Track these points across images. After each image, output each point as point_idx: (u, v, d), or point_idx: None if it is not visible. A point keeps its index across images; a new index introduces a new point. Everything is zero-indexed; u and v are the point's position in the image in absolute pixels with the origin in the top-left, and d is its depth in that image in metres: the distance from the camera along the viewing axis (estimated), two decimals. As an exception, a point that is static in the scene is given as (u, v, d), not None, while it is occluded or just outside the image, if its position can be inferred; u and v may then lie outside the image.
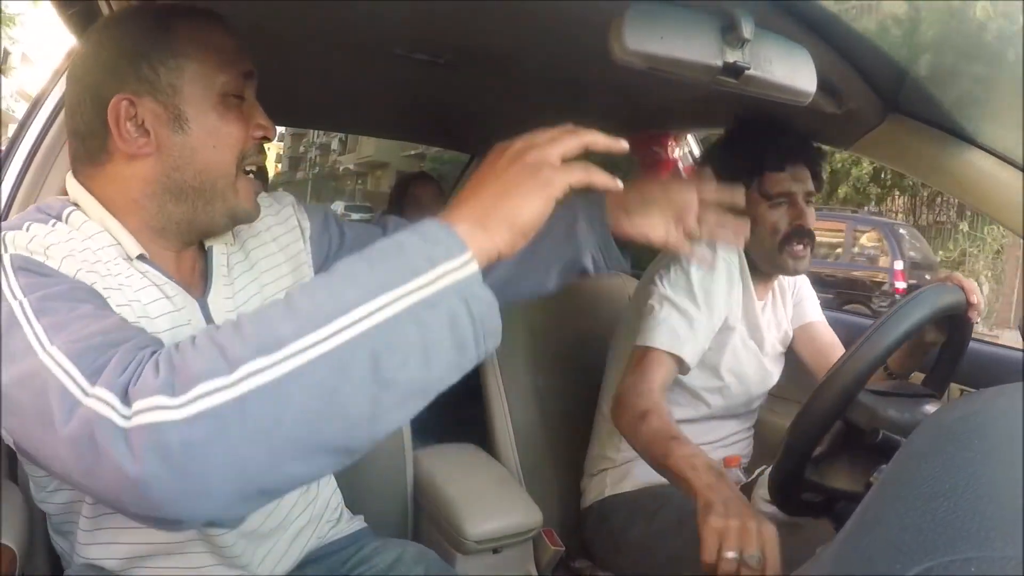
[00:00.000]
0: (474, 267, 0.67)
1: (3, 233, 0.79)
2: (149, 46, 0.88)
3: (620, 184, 0.82)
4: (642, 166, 2.18)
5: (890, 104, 1.34)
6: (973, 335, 1.36)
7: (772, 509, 1.45)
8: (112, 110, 0.86)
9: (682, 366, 1.47)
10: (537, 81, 1.70)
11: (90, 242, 0.86)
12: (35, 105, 1.26)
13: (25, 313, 0.70)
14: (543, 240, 0.73)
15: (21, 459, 0.91)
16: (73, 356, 0.66)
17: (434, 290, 0.65)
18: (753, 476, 1.61)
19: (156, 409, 0.59)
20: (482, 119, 2.51)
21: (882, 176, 13.35)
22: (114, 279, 0.85)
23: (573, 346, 1.75)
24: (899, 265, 9.27)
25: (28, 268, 0.76)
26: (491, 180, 0.73)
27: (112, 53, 0.89)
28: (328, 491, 1.22)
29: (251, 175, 0.96)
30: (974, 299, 1.26)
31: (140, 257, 0.90)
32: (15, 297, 0.72)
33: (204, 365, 0.61)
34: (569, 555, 1.68)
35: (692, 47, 0.95)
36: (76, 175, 0.92)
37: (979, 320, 1.30)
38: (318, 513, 1.17)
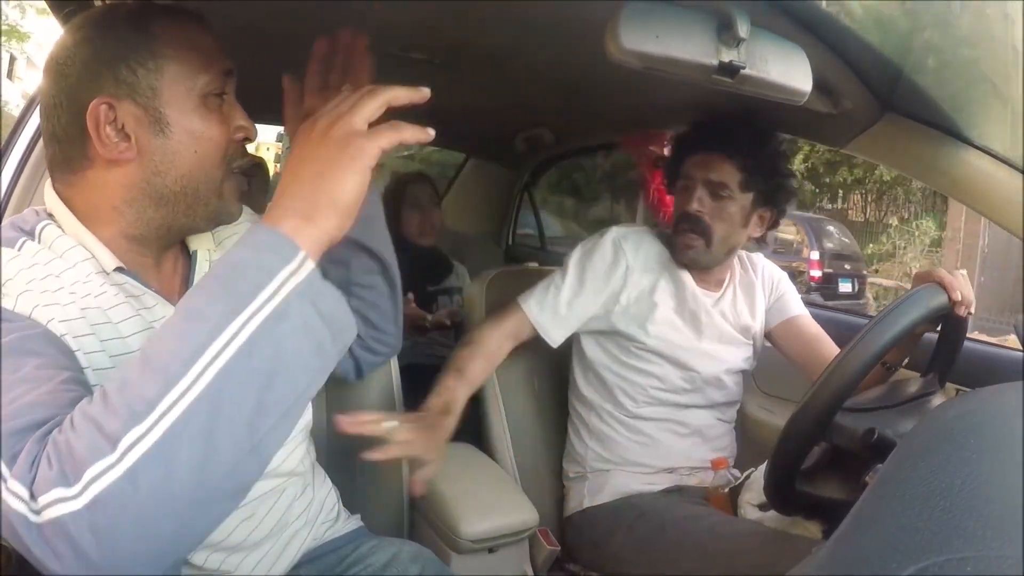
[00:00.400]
0: (310, 265, 0.67)
1: None
2: (127, 47, 0.85)
3: (431, 133, 0.79)
4: (639, 165, 2.18)
5: (886, 103, 1.34)
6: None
7: (759, 515, 1.46)
8: (91, 114, 0.83)
9: (534, 330, 1.61)
10: (533, 81, 1.70)
11: (59, 261, 0.84)
12: (30, 105, 1.26)
13: None
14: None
15: None
16: (3, 435, 0.63)
17: (279, 301, 0.64)
18: (740, 480, 1.61)
19: (57, 503, 0.58)
20: (478, 118, 2.51)
21: (820, 172, 13.88)
22: (81, 302, 0.82)
23: (569, 346, 1.74)
24: (815, 255, 9.82)
25: None
26: (305, 164, 0.71)
27: (88, 55, 0.85)
28: (324, 492, 1.22)
29: (238, 173, 0.95)
30: (956, 296, 1.26)
31: (117, 269, 0.88)
32: None
33: (87, 447, 0.59)
34: (564, 555, 1.68)
35: (688, 46, 0.95)
36: (55, 183, 0.89)
37: (970, 314, 1.30)
38: (314, 515, 1.17)
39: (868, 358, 1.07)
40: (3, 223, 0.86)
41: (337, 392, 1.37)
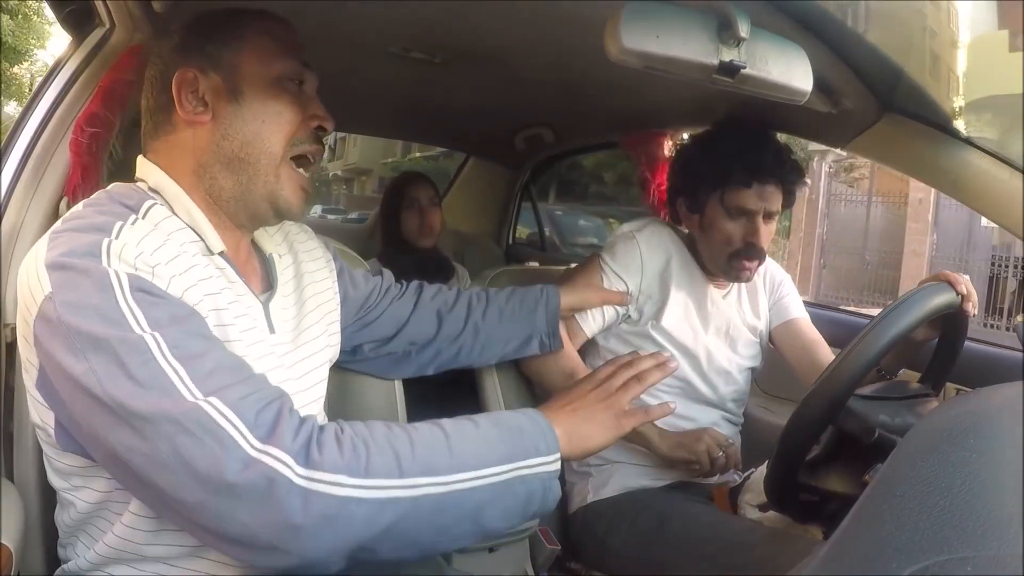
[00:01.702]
0: (557, 465, 0.87)
1: (101, 242, 0.79)
2: (216, 29, 0.96)
3: (673, 407, 1.04)
4: (639, 166, 2.18)
5: (886, 103, 1.34)
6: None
7: (759, 515, 1.46)
8: (176, 80, 0.92)
9: (584, 330, 1.64)
10: (533, 80, 1.70)
11: (171, 242, 0.86)
12: (34, 99, 1.26)
13: (161, 350, 0.74)
14: (505, 322, 0.89)
15: (51, 457, 0.90)
16: (237, 409, 0.74)
17: (532, 472, 0.85)
18: (740, 480, 1.62)
19: (336, 484, 0.73)
20: (478, 117, 2.51)
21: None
22: (200, 285, 0.87)
23: (569, 345, 1.74)
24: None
25: (144, 290, 0.78)
26: (582, 406, 0.97)
27: (183, 36, 0.96)
28: None
29: (301, 169, 1.00)
30: (962, 288, 1.26)
31: (220, 254, 0.94)
32: (144, 329, 0.75)
33: (382, 464, 0.76)
34: (564, 554, 1.68)
35: (688, 46, 0.95)
36: (147, 155, 0.97)
37: (975, 313, 1.30)
38: None
39: (878, 349, 1.07)
40: (101, 195, 0.90)
41: (340, 402, 1.36)
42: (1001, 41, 1.26)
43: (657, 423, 1.62)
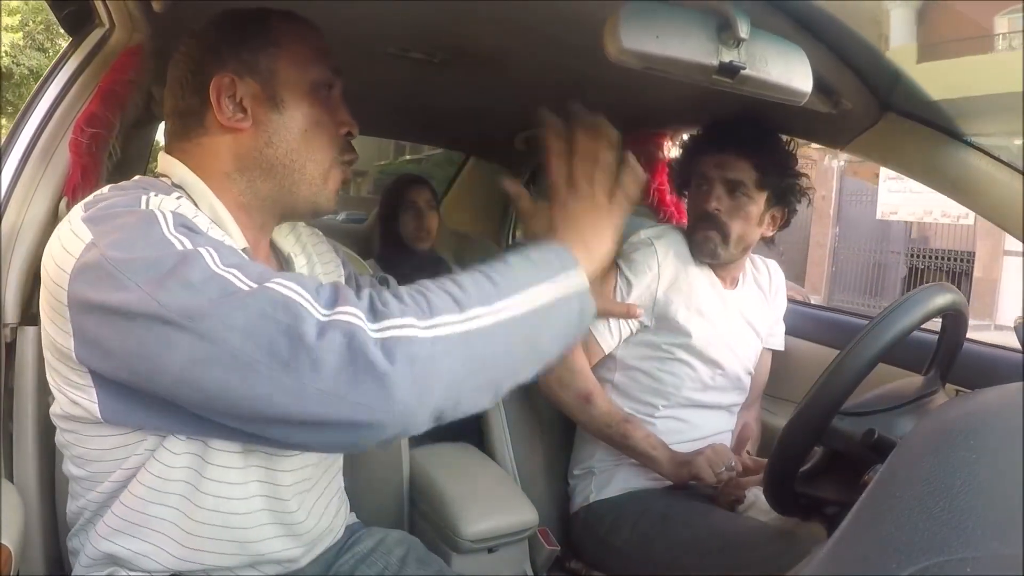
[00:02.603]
0: (584, 278, 0.88)
1: (140, 197, 0.82)
2: (250, 34, 0.96)
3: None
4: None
5: (886, 104, 1.34)
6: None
7: (767, 518, 1.46)
8: (214, 85, 0.92)
9: (600, 347, 1.64)
10: (532, 80, 1.70)
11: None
12: (33, 99, 1.26)
13: (213, 259, 0.76)
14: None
15: (72, 443, 0.91)
16: (298, 285, 0.74)
17: (568, 289, 0.85)
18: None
19: (407, 327, 0.73)
20: (477, 118, 2.50)
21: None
22: None
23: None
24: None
25: (187, 226, 0.80)
26: (583, 211, 0.93)
27: (215, 38, 0.96)
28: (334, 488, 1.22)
29: (345, 168, 1.03)
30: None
31: (243, 251, 0.92)
32: (195, 245, 0.76)
33: (441, 304, 0.76)
34: (564, 555, 1.68)
35: (688, 46, 0.95)
36: (172, 152, 0.97)
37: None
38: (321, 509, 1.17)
39: (868, 359, 1.06)
40: (127, 183, 0.91)
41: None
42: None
43: (668, 431, 1.63)
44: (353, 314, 0.72)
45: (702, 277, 1.65)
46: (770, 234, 1.68)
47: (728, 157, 1.57)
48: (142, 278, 0.73)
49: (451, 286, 0.79)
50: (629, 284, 1.61)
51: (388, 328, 0.72)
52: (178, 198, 0.88)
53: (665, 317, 1.62)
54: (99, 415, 0.84)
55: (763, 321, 1.75)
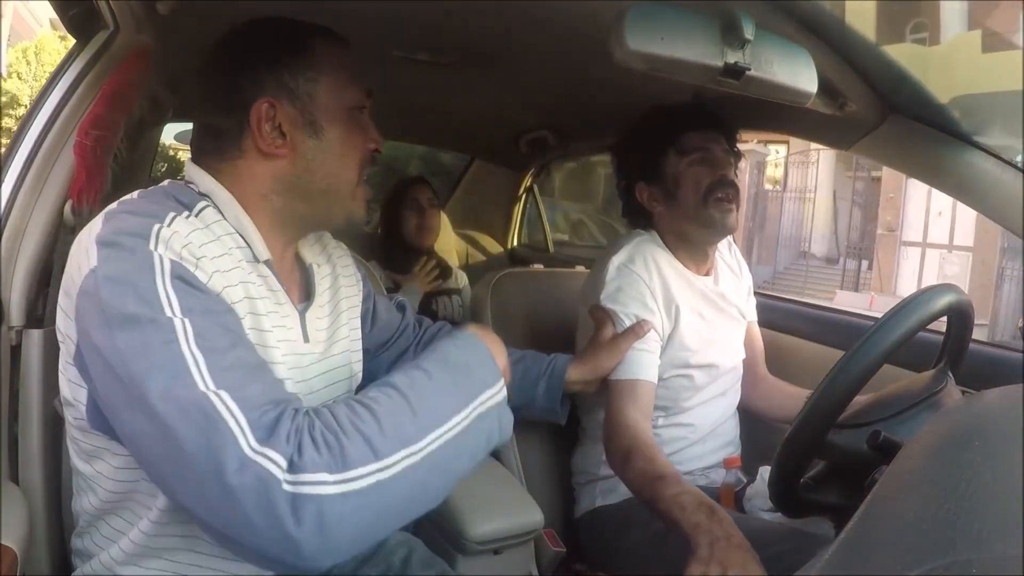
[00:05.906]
0: (504, 392, 0.90)
1: (152, 226, 0.81)
2: (290, 57, 0.95)
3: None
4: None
5: (890, 105, 1.34)
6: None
7: (770, 517, 1.45)
8: (255, 112, 0.92)
9: (650, 383, 1.52)
10: (537, 83, 1.70)
11: (217, 243, 0.88)
12: (38, 102, 1.26)
13: (186, 336, 0.75)
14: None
15: (77, 439, 0.91)
16: (243, 407, 0.73)
17: (487, 408, 0.86)
18: (743, 485, 1.61)
19: (320, 484, 0.71)
20: (481, 121, 2.51)
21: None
22: (241, 288, 0.88)
23: (574, 347, 1.74)
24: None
25: (184, 279, 0.79)
26: None
27: (253, 59, 0.94)
28: None
29: (366, 181, 1.04)
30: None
31: (265, 262, 0.95)
32: (175, 313, 0.76)
33: (357, 452, 0.74)
34: (570, 557, 1.68)
35: (693, 48, 0.95)
36: (203, 167, 0.96)
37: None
38: None
39: (870, 364, 1.04)
40: (156, 189, 0.91)
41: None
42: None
43: (671, 438, 1.62)
44: (275, 461, 0.71)
45: (680, 279, 1.62)
46: None
47: (710, 132, 1.57)
48: (119, 331, 0.75)
49: (370, 426, 0.77)
50: (628, 319, 1.55)
51: (301, 483, 0.71)
52: (204, 207, 0.90)
53: (665, 328, 1.59)
54: (85, 416, 0.86)
55: (740, 298, 1.73)
